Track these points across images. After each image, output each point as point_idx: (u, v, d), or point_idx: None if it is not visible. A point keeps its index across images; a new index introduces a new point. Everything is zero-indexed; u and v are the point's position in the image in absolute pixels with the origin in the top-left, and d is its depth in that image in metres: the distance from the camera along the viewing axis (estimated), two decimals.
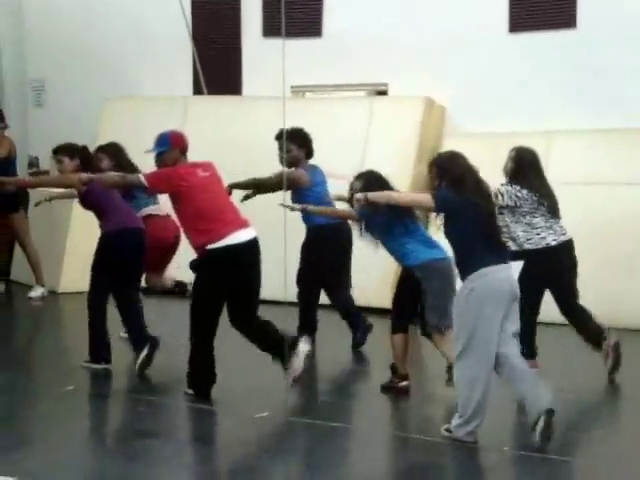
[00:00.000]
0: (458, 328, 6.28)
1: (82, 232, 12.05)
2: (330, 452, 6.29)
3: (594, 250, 9.63)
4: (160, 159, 7.37)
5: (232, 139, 11.81)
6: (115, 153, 9.17)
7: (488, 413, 6.24)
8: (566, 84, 11.18)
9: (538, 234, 7.94)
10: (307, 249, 9.03)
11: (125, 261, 8.14)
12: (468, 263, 6.27)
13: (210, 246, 7.07)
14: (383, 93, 12.54)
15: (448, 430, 6.29)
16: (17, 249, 12.24)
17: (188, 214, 7.20)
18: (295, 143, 8.88)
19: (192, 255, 7.30)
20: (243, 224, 7.21)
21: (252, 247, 7.20)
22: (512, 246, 7.77)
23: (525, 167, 8.07)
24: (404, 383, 7.54)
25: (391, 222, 7.34)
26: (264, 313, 7.36)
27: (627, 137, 10.53)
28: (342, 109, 11.78)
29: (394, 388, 7.53)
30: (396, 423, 7.24)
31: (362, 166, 10.87)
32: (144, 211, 9.02)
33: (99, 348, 8.14)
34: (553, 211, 8.04)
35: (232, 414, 7.06)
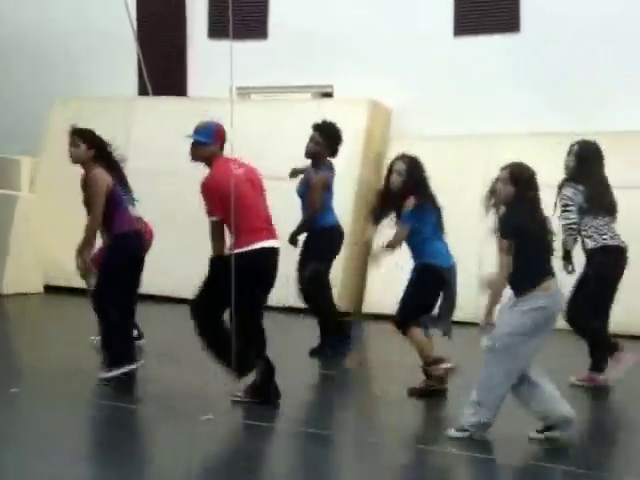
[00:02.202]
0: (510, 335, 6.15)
1: (25, 232, 11.97)
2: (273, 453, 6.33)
3: None
4: (197, 149, 7.10)
5: (178, 140, 11.76)
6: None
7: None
8: (511, 88, 11.31)
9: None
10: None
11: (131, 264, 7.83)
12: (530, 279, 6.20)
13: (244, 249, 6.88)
14: (329, 95, 12.59)
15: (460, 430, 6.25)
16: None
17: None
18: (323, 137, 8.75)
19: None
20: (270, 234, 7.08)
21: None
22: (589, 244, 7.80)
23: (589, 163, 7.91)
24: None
25: None
26: None
27: (570, 140, 10.63)
28: (288, 111, 11.80)
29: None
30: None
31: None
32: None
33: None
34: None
35: (177, 416, 7.05)
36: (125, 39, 13.12)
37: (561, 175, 8.12)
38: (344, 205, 10.95)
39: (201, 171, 7.24)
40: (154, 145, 11.94)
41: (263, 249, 6.93)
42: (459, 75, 11.59)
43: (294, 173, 8.99)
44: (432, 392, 7.34)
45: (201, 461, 6.11)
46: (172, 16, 13.37)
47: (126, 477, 5.73)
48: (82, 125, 7.91)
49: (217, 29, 12.63)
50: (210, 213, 6.89)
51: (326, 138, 8.73)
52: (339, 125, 11.19)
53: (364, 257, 10.98)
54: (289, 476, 5.87)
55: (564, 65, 11.07)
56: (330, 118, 11.59)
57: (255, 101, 13.04)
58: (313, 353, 8.76)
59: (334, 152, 8.84)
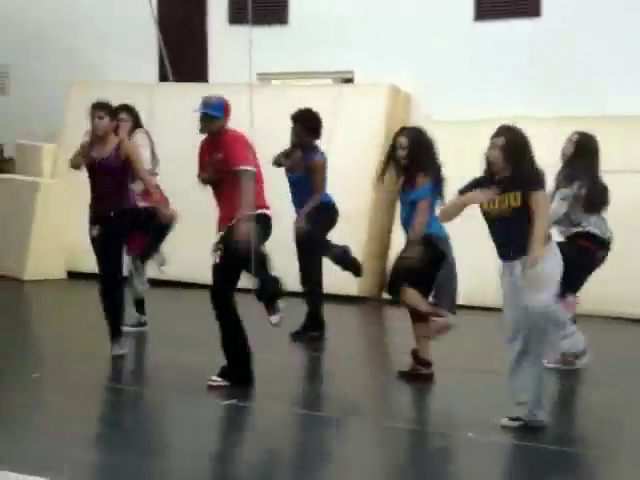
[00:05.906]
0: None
1: (49, 216, 11.99)
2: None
3: None
4: (210, 122, 7.28)
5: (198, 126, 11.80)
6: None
7: None
8: (530, 71, 11.26)
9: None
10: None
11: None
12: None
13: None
14: (349, 81, 12.56)
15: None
16: None
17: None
18: (301, 126, 8.98)
19: None
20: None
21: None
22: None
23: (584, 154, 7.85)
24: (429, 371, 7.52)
25: None
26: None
27: (589, 124, 10.56)
28: (308, 97, 11.74)
29: (418, 375, 7.48)
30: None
31: (327, 154, 10.95)
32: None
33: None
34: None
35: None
36: (146, 25, 13.12)
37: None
38: (363, 192, 10.96)
39: None
40: (175, 131, 11.94)
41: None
42: (480, 59, 11.55)
43: (279, 162, 9.09)
44: (420, 376, 7.49)
45: (217, 445, 6.14)
46: (193, 2, 13.37)
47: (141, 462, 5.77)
48: None
49: (237, 15, 12.61)
50: (247, 164, 7.11)
51: (304, 126, 8.98)
52: (360, 110, 11.22)
53: (384, 241, 10.99)
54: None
55: (583, 51, 10.99)
56: (351, 104, 11.66)
57: (276, 87, 13.03)
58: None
59: (318, 135, 9.11)
